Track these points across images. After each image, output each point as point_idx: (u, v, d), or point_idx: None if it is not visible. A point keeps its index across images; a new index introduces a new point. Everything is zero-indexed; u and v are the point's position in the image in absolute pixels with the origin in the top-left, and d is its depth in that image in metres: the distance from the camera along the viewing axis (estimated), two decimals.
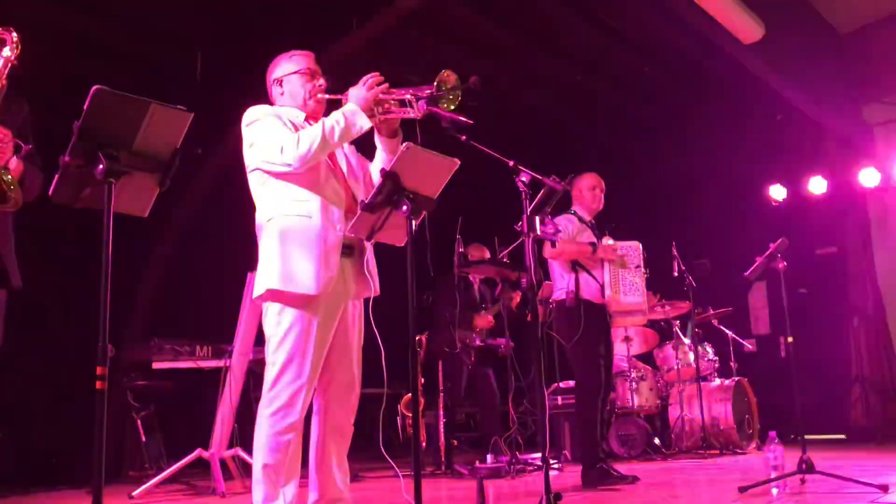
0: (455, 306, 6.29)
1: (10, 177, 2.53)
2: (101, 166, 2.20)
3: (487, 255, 6.28)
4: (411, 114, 2.93)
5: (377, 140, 3.10)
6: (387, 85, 2.95)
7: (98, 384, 2.08)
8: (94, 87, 2.18)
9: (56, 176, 2.29)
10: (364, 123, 2.92)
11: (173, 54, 7.17)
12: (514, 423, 5.86)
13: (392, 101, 2.98)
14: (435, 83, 2.85)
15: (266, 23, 6.78)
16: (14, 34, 2.64)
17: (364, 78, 2.96)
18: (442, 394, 6.32)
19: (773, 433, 4.26)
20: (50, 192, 2.33)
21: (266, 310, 3.00)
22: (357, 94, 2.94)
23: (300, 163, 2.89)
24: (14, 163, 2.65)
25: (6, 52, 2.65)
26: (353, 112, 2.90)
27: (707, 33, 6.99)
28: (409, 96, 2.93)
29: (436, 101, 2.88)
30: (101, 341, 2.09)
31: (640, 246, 5.13)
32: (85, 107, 2.19)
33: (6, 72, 2.64)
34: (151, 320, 7.11)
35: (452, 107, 2.89)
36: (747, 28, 6.75)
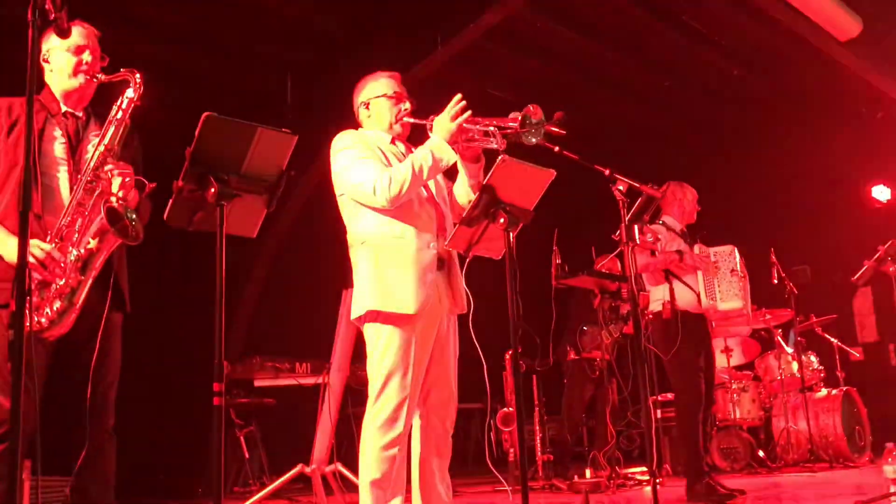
0: (583, 320, 6.24)
1: (134, 214, 2.65)
2: (212, 190, 2.28)
3: (618, 266, 6.20)
4: (494, 144, 2.93)
5: (460, 165, 3.10)
6: (470, 113, 2.95)
7: (216, 400, 2.14)
8: (205, 114, 2.26)
9: (170, 201, 2.39)
10: (450, 157, 2.96)
11: (265, 81, 7.40)
12: (613, 438, 5.77)
13: (476, 131, 2.98)
14: (520, 116, 2.85)
15: (352, 47, 6.93)
16: (138, 75, 2.77)
17: (449, 107, 2.97)
18: (537, 408, 6.27)
19: (891, 445, 4.05)
20: (164, 217, 2.43)
21: (366, 329, 3.05)
22: (442, 126, 2.96)
23: (392, 204, 2.95)
24: (132, 195, 2.77)
25: (130, 92, 2.78)
26: (440, 147, 2.94)
27: (800, 31, 6.79)
28: (493, 128, 2.93)
29: (519, 136, 2.88)
30: (218, 358, 2.15)
31: (736, 249, 4.99)
32: (196, 133, 2.28)
33: (129, 111, 2.77)
34: (249, 338, 7.31)
35: (535, 140, 2.88)
36: (843, 24, 6.52)
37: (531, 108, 2.86)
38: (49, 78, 2.88)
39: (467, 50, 6.98)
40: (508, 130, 2.87)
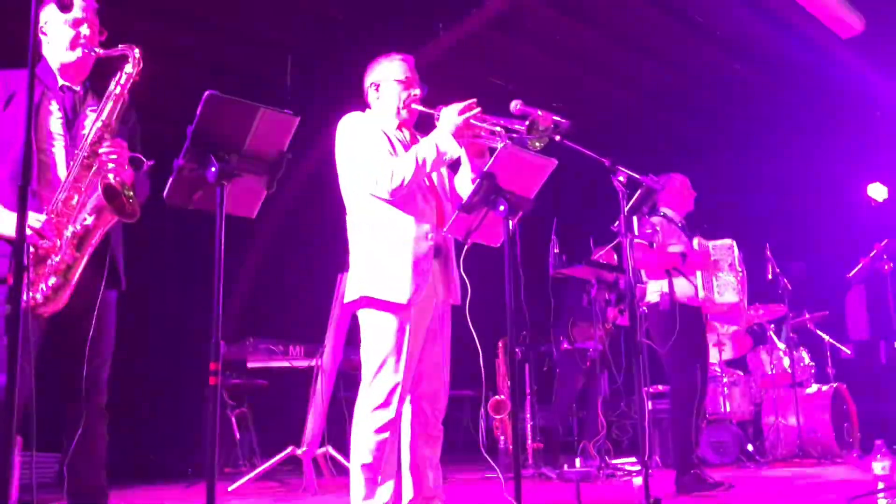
0: (576, 310, 6.25)
1: (131, 191, 2.64)
2: (213, 169, 2.27)
3: (615, 258, 6.19)
4: (498, 144, 2.92)
5: (463, 158, 3.09)
6: (479, 110, 2.95)
7: (211, 380, 2.14)
8: (207, 93, 2.25)
9: (170, 179, 2.38)
10: (455, 151, 2.95)
11: (265, 62, 7.36)
12: (603, 428, 5.79)
13: (483, 128, 2.97)
14: (528, 122, 2.83)
15: (353, 30, 6.89)
16: (136, 51, 2.74)
17: (458, 105, 2.95)
18: (529, 396, 6.29)
19: (880, 441, 4.08)
20: (164, 195, 2.42)
21: (360, 313, 3.06)
22: (449, 119, 2.94)
23: (393, 195, 2.95)
24: (127, 173, 2.75)
25: (129, 68, 2.75)
26: (445, 140, 2.93)
27: (802, 28, 6.78)
28: (499, 128, 2.92)
29: (523, 141, 2.86)
30: (215, 338, 2.15)
31: (734, 244, 4.99)
32: (198, 111, 2.27)
33: (127, 87, 2.74)
34: (244, 320, 7.31)
35: (539, 145, 2.87)
36: (846, 22, 6.51)
37: (540, 115, 2.85)
38: (46, 51, 2.84)
39: (469, 37, 6.95)
40: (514, 134, 2.86)
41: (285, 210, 7.63)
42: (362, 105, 3.25)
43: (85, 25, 2.81)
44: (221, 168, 2.27)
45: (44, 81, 2.79)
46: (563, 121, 2.87)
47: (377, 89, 3.21)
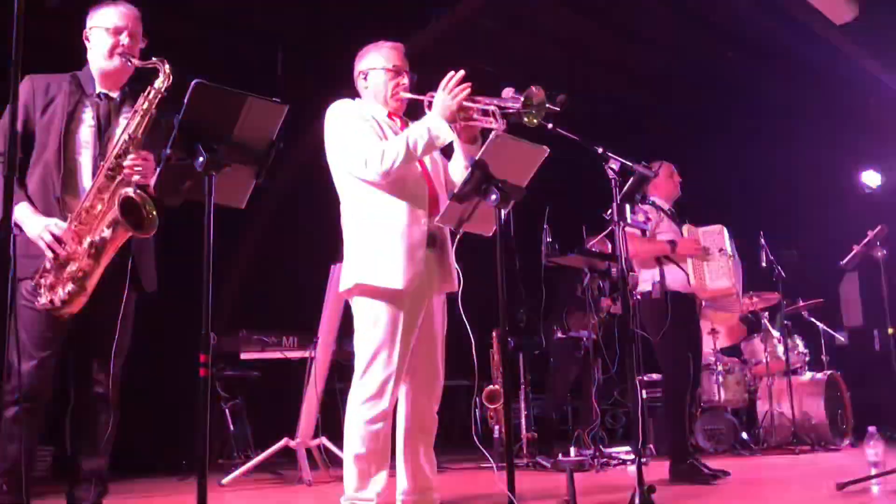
0: (570, 299, 6.25)
1: (152, 206, 2.64)
2: (201, 159, 2.26)
3: (609, 248, 6.18)
4: (493, 124, 2.87)
5: (456, 145, 3.07)
6: (470, 90, 2.89)
7: (202, 371, 2.13)
8: (195, 82, 2.23)
9: (158, 170, 2.36)
10: (447, 136, 2.91)
11: (255, 50, 7.32)
12: (597, 417, 5.80)
13: (476, 109, 2.93)
14: (522, 98, 2.79)
15: (345, 18, 6.85)
16: (167, 66, 2.75)
17: (448, 81, 2.90)
18: (523, 386, 6.29)
19: (872, 428, 4.09)
20: (152, 186, 2.40)
21: (354, 302, 3.04)
22: (440, 102, 2.90)
23: (383, 178, 2.92)
24: (154, 182, 2.76)
25: (158, 83, 2.76)
26: (437, 125, 2.89)
27: (795, 14, 6.76)
28: (493, 108, 2.87)
29: (520, 116, 2.82)
30: (205, 329, 2.14)
31: (725, 229, 4.98)
32: (185, 101, 2.25)
33: (156, 102, 2.74)
34: (237, 311, 7.28)
35: (536, 121, 2.83)
36: (839, 7, 6.50)
37: (534, 90, 2.80)
38: (89, 56, 2.88)
39: (461, 24, 6.92)
40: (510, 111, 2.82)
41: (278, 200, 7.60)
42: (353, 94, 3.22)
43: (125, 34, 2.85)
44: (210, 158, 2.25)
45: (82, 87, 2.84)
46: (558, 93, 2.83)
47: (366, 78, 3.18)
